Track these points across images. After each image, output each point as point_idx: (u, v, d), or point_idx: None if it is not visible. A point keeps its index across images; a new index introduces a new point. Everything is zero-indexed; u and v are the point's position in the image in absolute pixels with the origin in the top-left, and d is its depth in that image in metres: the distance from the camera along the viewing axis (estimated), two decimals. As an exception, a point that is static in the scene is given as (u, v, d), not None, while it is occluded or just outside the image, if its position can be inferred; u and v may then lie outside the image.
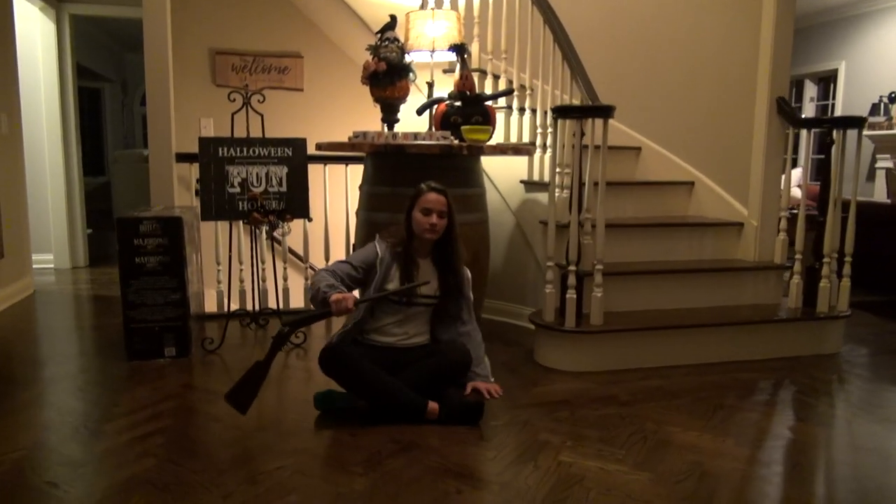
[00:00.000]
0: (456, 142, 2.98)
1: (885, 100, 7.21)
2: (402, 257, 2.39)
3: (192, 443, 2.13)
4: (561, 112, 2.80)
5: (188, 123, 4.35)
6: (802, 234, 3.26)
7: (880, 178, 7.08)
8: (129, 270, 2.84)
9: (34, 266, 4.62)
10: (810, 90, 8.55)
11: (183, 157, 3.59)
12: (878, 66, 7.39)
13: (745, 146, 3.54)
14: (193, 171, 3.58)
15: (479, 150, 2.88)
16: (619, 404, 2.49)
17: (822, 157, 3.32)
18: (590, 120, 2.84)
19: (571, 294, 2.85)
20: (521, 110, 3.61)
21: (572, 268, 2.85)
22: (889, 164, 7.00)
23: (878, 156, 7.19)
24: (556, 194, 3.04)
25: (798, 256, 3.27)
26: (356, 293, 2.36)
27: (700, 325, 2.99)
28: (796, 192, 5.83)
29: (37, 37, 5.14)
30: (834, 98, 8.01)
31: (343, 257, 2.69)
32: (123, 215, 2.89)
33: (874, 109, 7.21)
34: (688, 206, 3.90)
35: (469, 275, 2.53)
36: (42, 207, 5.20)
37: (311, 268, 4.20)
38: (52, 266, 5.37)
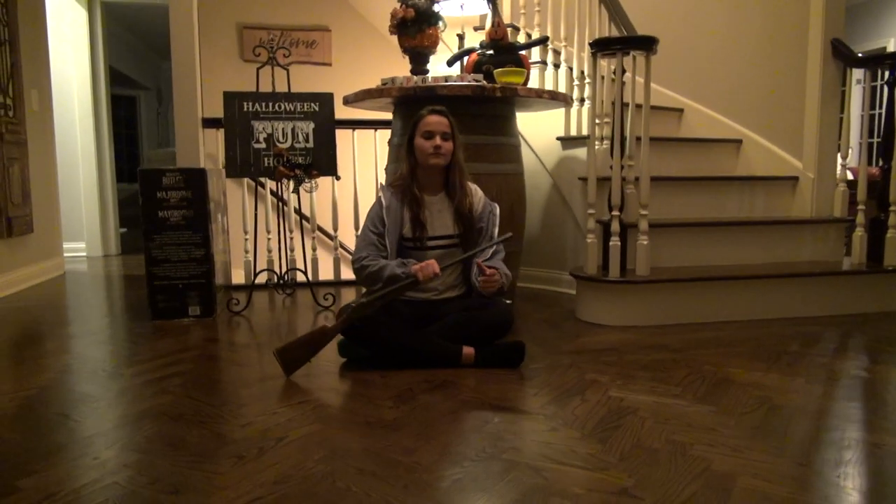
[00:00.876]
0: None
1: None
2: (408, 195, 2.23)
3: (213, 382, 2.00)
4: (600, 45, 2.63)
5: (215, 99, 4.29)
6: (864, 183, 3.01)
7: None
8: (152, 225, 2.75)
9: (66, 255, 4.60)
10: (856, 72, 8.19)
11: (210, 123, 3.52)
12: (929, 42, 7.03)
13: (797, 96, 3.31)
14: (220, 137, 3.50)
15: (513, 91, 2.72)
16: (670, 351, 2.29)
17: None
18: (631, 56, 2.66)
19: (615, 242, 2.66)
20: (557, 66, 3.45)
21: (616, 213, 2.66)
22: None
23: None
24: (597, 144, 2.86)
25: (861, 207, 3.02)
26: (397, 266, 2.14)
27: (756, 276, 2.76)
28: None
29: (67, 28, 5.18)
30: (883, 78, 7.65)
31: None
32: (146, 167, 2.81)
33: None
34: (735, 166, 3.68)
35: (497, 210, 2.35)
36: (75, 199, 5.21)
37: (342, 246, 4.09)
38: (84, 254, 5.36)
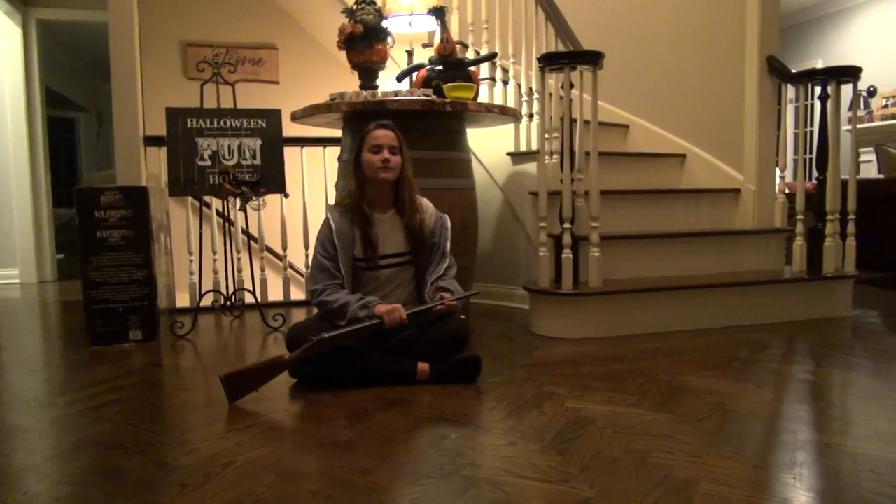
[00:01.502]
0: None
1: (864, 94, 7.22)
2: (357, 213, 2.19)
3: (155, 408, 1.89)
4: (548, 60, 2.66)
5: (157, 117, 4.16)
6: (802, 193, 3.12)
7: (864, 168, 7.04)
8: (89, 246, 2.62)
9: (-3, 279, 4.37)
10: (789, 91, 8.58)
11: (152, 141, 3.40)
12: (854, 62, 7.42)
13: (736, 111, 3.43)
14: (162, 156, 3.38)
15: (463, 106, 2.72)
16: (625, 361, 2.29)
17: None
18: (578, 71, 2.70)
19: (567, 254, 2.67)
20: (505, 82, 3.48)
21: (567, 226, 2.67)
22: (871, 157, 6.96)
23: (860, 150, 7.16)
24: (546, 159, 2.87)
25: (800, 217, 3.13)
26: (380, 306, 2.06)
27: (702, 286, 2.81)
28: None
29: (1, 44, 4.97)
30: (812, 98, 8.03)
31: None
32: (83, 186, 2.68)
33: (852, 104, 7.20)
34: (680, 180, 3.77)
35: (448, 223, 2.32)
36: (7, 223, 4.96)
37: (292, 266, 4.00)
38: (17, 281, 5.10)
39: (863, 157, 7.11)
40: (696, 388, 1.96)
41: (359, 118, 2.80)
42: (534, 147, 3.30)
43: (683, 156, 3.76)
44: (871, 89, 7.17)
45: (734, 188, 3.42)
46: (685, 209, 3.36)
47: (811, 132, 6.64)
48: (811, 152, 6.60)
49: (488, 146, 3.50)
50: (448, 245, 2.30)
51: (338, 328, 2.03)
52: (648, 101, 3.96)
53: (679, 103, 3.82)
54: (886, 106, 7.00)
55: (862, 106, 7.18)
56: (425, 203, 2.31)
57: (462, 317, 2.16)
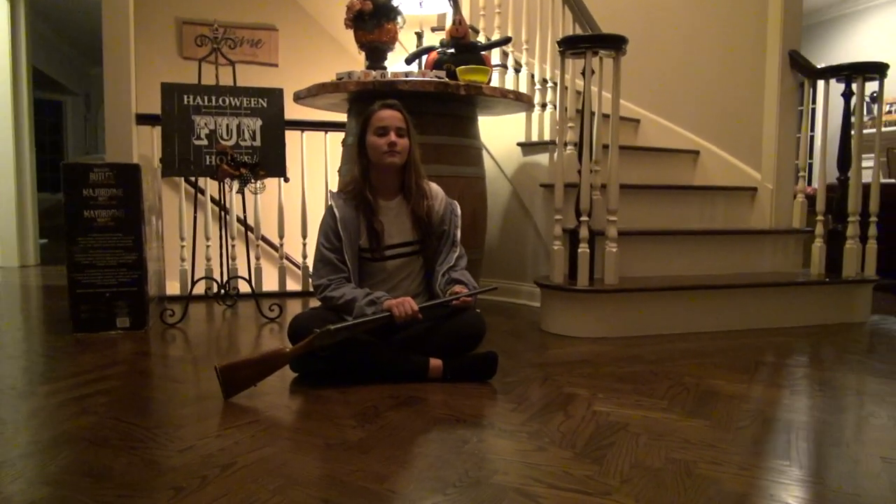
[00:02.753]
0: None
1: (868, 100, 7.16)
2: (361, 200, 2.04)
3: (144, 401, 1.74)
4: (568, 44, 2.52)
5: (150, 96, 3.99)
6: (824, 194, 3.01)
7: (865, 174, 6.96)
8: (76, 226, 2.45)
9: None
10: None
11: (145, 119, 3.23)
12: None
13: (754, 107, 3.31)
14: (155, 135, 3.21)
15: (478, 90, 2.58)
16: (646, 362, 2.16)
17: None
18: (599, 57, 2.56)
19: (584, 248, 2.54)
20: (517, 70, 3.34)
21: (585, 218, 2.54)
22: (870, 164, 6.89)
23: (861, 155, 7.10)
24: (558, 151, 2.73)
25: (820, 218, 3.02)
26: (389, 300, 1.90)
27: (724, 286, 2.68)
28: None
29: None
30: (814, 102, 7.96)
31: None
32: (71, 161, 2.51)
33: (875, 100, 7.15)
34: (693, 176, 3.65)
35: (458, 210, 2.18)
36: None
37: (288, 258, 3.85)
38: (-3, 265, 4.90)
39: (864, 164, 7.04)
40: (728, 392, 1.83)
41: (367, 99, 2.63)
42: (546, 137, 3.17)
43: (697, 152, 3.64)
44: (874, 95, 7.10)
45: (751, 186, 3.30)
46: (700, 207, 3.24)
47: (813, 136, 6.57)
48: (812, 157, 6.52)
49: (498, 136, 3.36)
50: (458, 233, 2.16)
51: (344, 321, 1.88)
52: (661, 95, 3.84)
53: (693, 98, 3.70)
54: (890, 112, 6.94)
55: (865, 111, 7.11)
56: (434, 188, 2.16)
57: (477, 311, 2.02)
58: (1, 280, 4.25)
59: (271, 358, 1.76)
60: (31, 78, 5.12)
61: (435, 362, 1.89)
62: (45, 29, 7.57)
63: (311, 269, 2.06)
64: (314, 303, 2.30)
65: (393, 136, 2.00)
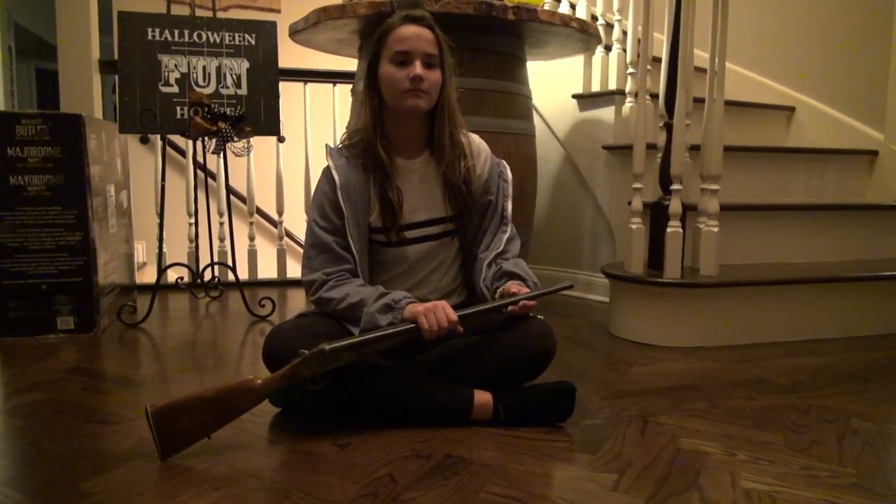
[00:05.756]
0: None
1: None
2: (372, 158, 1.40)
3: (44, 458, 1.13)
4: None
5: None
6: (975, 157, 2.31)
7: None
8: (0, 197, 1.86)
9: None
10: None
11: (111, 67, 2.62)
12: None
13: (876, 53, 2.60)
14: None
15: (531, 15, 1.92)
16: (780, 390, 1.52)
17: None
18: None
19: (676, 227, 1.89)
20: (573, 5, 2.67)
21: (677, 187, 1.88)
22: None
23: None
24: (630, 102, 2.08)
25: (969, 189, 2.33)
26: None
27: (858, 278, 2.02)
28: None
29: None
30: None
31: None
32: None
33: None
34: (786, 138, 2.95)
35: (508, 173, 1.53)
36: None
37: (289, 234, 3.25)
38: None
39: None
40: (937, 450, 1.18)
41: (383, 30, 2.00)
42: (612, 86, 2.50)
43: (792, 108, 2.94)
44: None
45: (870, 150, 2.61)
46: (805, 175, 2.55)
47: None
48: None
49: (545, 87, 2.70)
50: (509, 206, 1.51)
51: (348, 334, 1.27)
52: (742, 39, 3.12)
53: (787, 43, 2.98)
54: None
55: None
56: (476, 142, 1.51)
57: (540, 318, 1.39)
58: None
59: (233, 395, 1.15)
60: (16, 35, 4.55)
61: (482, 397, 1.27)
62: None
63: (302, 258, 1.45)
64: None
65: (418, 68, 1.34)
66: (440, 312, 1.23)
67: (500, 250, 1.46)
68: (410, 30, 1.37)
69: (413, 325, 1.22)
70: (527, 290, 1.34)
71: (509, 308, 1.30)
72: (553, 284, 1.36)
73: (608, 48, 2.56)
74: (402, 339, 1.23)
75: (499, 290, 1.36)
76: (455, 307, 1.28)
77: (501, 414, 1.27)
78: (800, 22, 2.92)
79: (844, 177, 2.61)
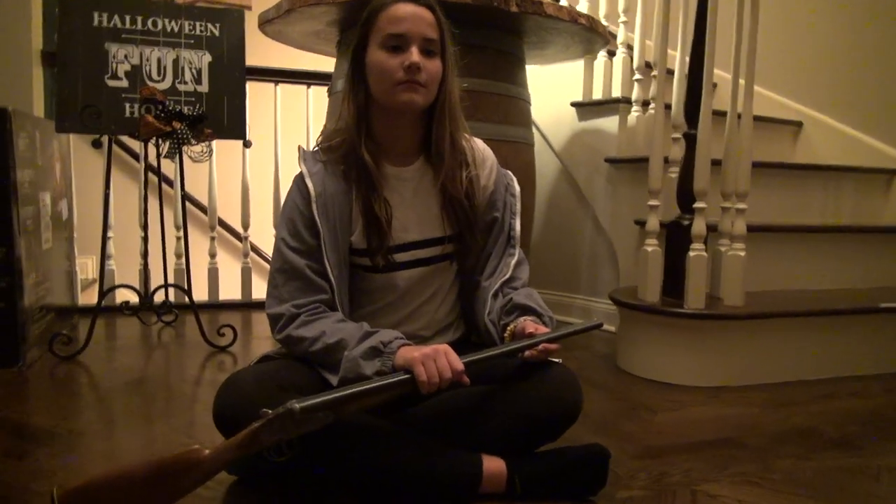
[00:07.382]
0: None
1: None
2: (355, 164, 1.15)
3: None
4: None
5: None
6: None
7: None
8: None
9: None
10: None
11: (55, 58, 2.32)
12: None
13: (891, 65, 2.44)
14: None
15: (537, 7, 1.70)
16: (833, 445, 1.29)
17: None
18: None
19: (699, 251, 1.66)
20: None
21: (702, 204, 1.66)
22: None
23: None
24: (636, 111, 1.87)
25: None
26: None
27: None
28: None
29: None
30: None
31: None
32: None
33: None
34: (793, 154, 2.78)
35: (516, 186, 1.27)
36: None
37: (255, 250, 2.96)
38: None
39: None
40: None
41: (367, 20, 1.75)
42: (616, 93, 2.29)
43: (799, 123, 2.77)
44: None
45: (890, 169, 2.44)
46: (822, 194, 2.36)
47: None
48: None
49: (542, 93, 2.47)
50: (517, 224, 1.26)
51: (323, 384, 1.00)
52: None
53: (794, 56, 2.81)
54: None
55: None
56: (480, 148, 1.25)
57: (559, 361, 1.14)
58: None
59: (172, 472, 0.87)
60: None
61: (493, 464, 1.02)
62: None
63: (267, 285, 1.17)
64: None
65: (415, 55, 1.09)
66: (441, 359, 0.97)
67: (507, 277, 1.21)
68: (407, 9, 1.11)
69: (407, 377, 0.96)
70: (545, 328, 1.09)
71: (527, 353, 1.05)
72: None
73: (611, 53, 2.35)
74: (394, 393, 0.97)
75: (509, 328, 1.11)
76: (453, 345, 1.02)
77: (518, 486, 1.01)
78: (809, 34, 2.75)
79: (861, 196, 2.43)
